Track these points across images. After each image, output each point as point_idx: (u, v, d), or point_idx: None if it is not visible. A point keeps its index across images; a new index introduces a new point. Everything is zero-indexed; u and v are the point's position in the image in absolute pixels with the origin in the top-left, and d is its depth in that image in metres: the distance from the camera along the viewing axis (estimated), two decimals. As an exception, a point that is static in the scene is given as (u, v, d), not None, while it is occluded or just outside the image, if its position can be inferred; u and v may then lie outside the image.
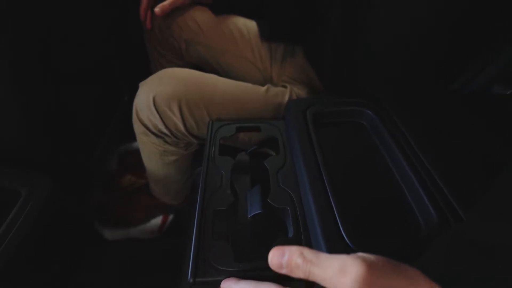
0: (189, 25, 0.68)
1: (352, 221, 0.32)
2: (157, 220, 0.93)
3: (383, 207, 0.37)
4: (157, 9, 0.64)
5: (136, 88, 0.57)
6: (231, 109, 0.56)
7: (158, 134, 0.57)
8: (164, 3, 0.64)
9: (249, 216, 0.39)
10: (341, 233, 0.32)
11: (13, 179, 0.48)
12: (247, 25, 0.70)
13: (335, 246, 0.30)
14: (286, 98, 0.60)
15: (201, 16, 0.68)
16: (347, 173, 0.41)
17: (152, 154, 0.63)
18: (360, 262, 0.21)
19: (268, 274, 0.31)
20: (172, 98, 0.52)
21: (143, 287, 0.79)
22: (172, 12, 0.66)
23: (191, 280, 0.31)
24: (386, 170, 0.41)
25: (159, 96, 0.52)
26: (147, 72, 0.99)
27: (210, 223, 0.37)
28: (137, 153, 1.05)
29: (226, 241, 0.35)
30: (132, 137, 1.08)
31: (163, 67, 0.75)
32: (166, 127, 0.54)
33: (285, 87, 0.62)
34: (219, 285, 0.32)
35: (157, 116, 0.53)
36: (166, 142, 0.58)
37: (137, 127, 0.58)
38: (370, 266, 0.21)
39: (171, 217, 0.94)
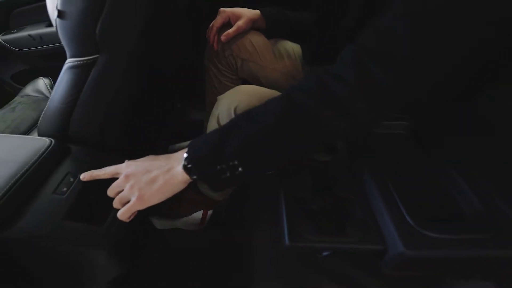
0: (246, 46, 0.81)
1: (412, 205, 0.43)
2: (198, 214, 1.03)
3: (433, 199, 0.47)
4: (223, 37, 0.78)
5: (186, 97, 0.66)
6: None
7: None
8: (229, 31, 0.78)
9: (312, 206, 0.49)
10: (405, 217, 0.41)
11: (106, 164, 0.58)
12: (293, 48, 0.84)
13: (403, 230, 0.40)
14: None
15: (256, 39, 0.82)
16: (395, 172, 0.51)
17: None
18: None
19: (340, 246, 0.42)
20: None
21: (192, 272, 0.87)
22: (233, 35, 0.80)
23: (288, 243, 0.42)
24: (427, 170, 0.51)
25: (239, 107, 0.62)
26: (197, 84, 1.11)
27: (293, 202, 0.47)
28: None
29: (308, 216, 0.45)
30: (181, 138, 1.19)
31: (218, 79, 0.90)
32: None
33: None
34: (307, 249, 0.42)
35: None
36: None
37: None
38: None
39: (210, 212, 1.04)
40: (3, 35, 1.06)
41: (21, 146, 0.54)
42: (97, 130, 0.60)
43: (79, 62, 0.51)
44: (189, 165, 0.45)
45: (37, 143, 0.55)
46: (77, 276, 0.52)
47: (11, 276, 0.47)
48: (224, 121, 0.65)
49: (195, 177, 0.45)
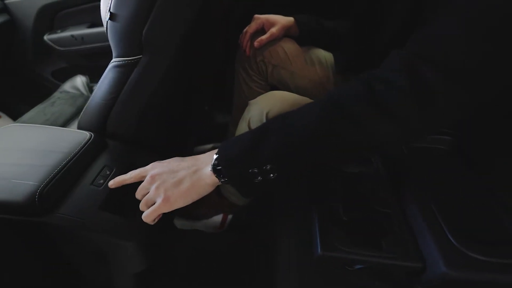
0: (278, 52, 0.83)
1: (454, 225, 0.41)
2: (218, 217, 1.04)
3: (479, 220, 0.45)
4: (256, 43, 0.80)
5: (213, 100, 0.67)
6: None
7: None
8: (262, 37, 0.80)
9: (344, 216, 0.48)
10: (447, 236, 0.40)
11: (140, 160, 0.60)
12: (325, 56, 0.84)
13: (445, 250, 0.38)
14: None
15: (289, 46, 0.83)
16: (437, 189, 0.49)
17: None
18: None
19: (376, 261, 0.41)
20: None
21: (210, 274, 0.88)
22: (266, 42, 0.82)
23: (321, 253, 0.41)
24: (473, 189, 0.49)
25: (271, 113, 0.63)
26: (225, 88, 1.14)
27: (325, 210, 0.46)
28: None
29: (341, 226, 0.44)
30: (205, 140, 1.21)
31: (247, 84, 0.91)
32: None
33: None
34: (340, 260, 0.41)
35: None
36: None
37: None
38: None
39: (230, 216, 1.05)
40: (48, 34, 1.13)
41: (64, 138, 0.57)
42: (132, 127, 0.62)
43: (123, 62, 0.54)
44: (219, 167, 0.44)
45: (78, 136, 0.58)
46: (107, 265, 0.53)
47: (49, 259, 0.50)
48: (255, 125, 0.66)
49: (224, 180, 0.44)
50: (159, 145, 0.66)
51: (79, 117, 0.64)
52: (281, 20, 0.81)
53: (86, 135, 0.58)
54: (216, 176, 0.44)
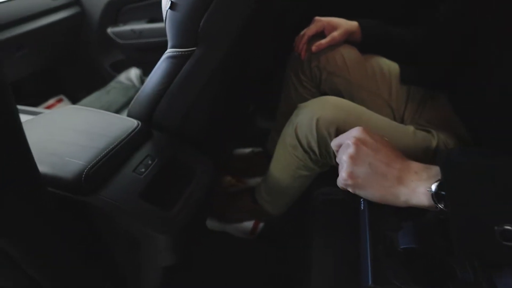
0: (336, 59, 0.77)
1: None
2: (249, 224, 1.02)
3: None
4: (314, 47, 0.76)
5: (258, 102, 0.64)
6: None
7: (306, 150, 0.65)
8: (322, 41, 0.75)
9: (401, 247, 0.41)
10: None
11: (193, 160, 0.60)
12: (389, 66, 0.77)
13: None
14: (434, 144, 0.61)
15: (348, 53, 0.78)
16: None
17: (289, 165, 0.71)
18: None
19: None
20: (332, 123, 0.59)
21: (233, 279, 0.85)
22: None
23: (371, 285, 0.36)
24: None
25: (322, 119, 0.60)
26: (271, 91, 1.12)
27: (381, 241, 0.41)
28: (243, 159, 1.18)
29: (397, 258, 0.39)
30: (245, 143, 1.20)
31: (296, 90, 0.87)
32: (318, 146, 0.62)
33: (427, 131, 0.65)
34: None
35: (315, 135, 0.61)
36: (309, 158, 0.66)
37: (290, 140, 0.67)
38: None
39: (262, 224, 1.02)
40: (111, 27, 1.20)
41: (114, 123, 0.58)
42: (178, 120, 0.63)
43: (177, 53, 0.54)
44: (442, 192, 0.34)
45: (127, 123, 0.59)
46: (139, 254, 0.53)
47: (87, 239, 0.50)
48: (303, 132, 0.63)
49: (444, 210, 0.34)
50: (200, 141, 0.65)
51: (130, 106, 0.65)
52: (344, 24, 0.75)
53: (134, 123, 0.59)
54: (435, 203, 0.36)
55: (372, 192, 0.41)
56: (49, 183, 0.46)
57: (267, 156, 1.12)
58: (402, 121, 0.74)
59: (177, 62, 0.54)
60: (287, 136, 0.68)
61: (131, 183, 0.51)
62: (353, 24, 0.76)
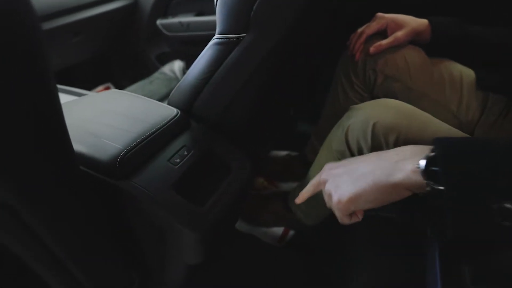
0: (397, 62, 0.68)
1: None
2: (278, 230, 0.96)
3: None
4: (372, 48, 0.67)
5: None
6: None
7: None
8: (381, 42, 0.66)
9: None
10: None
11: (230, 155, 0.57)
12: (461, 72, 0.66)
13: None
14: None
15: (412, 55, 0.68)
16: None
17: None
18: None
19: None
20: (392, 130, 0.51)
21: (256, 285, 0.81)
22: None
23: None
24: None
25: (380, 124, 0.52)
26: (316, 93, 1.06)
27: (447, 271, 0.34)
28: (278, 161, 1.13)
29: None
30: (282, 146, 1.16)
31: (345, 94, 0.80)
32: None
33: None
34: None
35: (369, 141, 0.53)
36: None
37: (338, 145, 0.60)
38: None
39: (292, 232, 0.96)
40: (160, 19, 1.22)
41: (153, 110, 0.57)
42: (218, 114, 0.60)
43: (226, 39, 0.51)
44: (435, 167, 0.31)
45: (166, 110, 0.57)
46: (165, 248, 0.50)
47: (117, 224, 0.49)
48: (355, 136, 0.56)
49: (436, 188, 0.31)
50: (238, 137, 0.62)
51: (171, 94, 0.64)
52: (411, 23, 0.66)
53: (173, 111, 0.57)
54: (425, 179, 0.32)
55: (364, 195, 0.38)
56: (84, 163, 0.45)
57: (304, 161, 1.06)
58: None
59: (224, 49, 0.51)
60: (334, 140, 0.61)
61: (164, 173, 0.49)
62: (422, 23, 0.66)
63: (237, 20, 0.48)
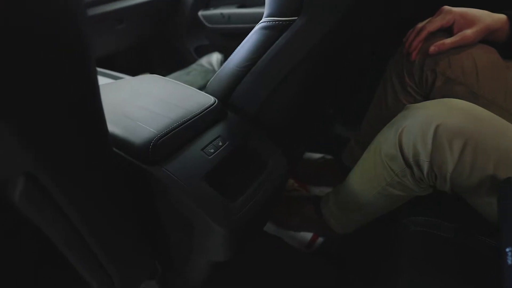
0: (463, 63, 0.59)
1: None
2: (307, 235, 0.91)
3: None
4: (433, 48, 0.59)
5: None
6: None
7: (410, 164, 0.51)
8: (445, 41, 0.58)
9: None
10: None
11: (267, 151, 0.53)
12: None
13: None
14: None
15: (483, 56, 0.59)
16: None
17: (378, 179, 0.57)
18: None
19: None
20: (459, 135, 0.45)
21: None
22: None
23: None
24: None
25: (444, 126, 0.45)
26: (358, 94, 0.99)
27: None
28: (312, 164, 1.08)
29: None
30: (316, 148, 1.11)
31: (395, 95, 0.72)
32: (430, 161, 0.48)
33: None
34: None
35: (428, 146, 0.47)
36: (411, 175, 0.52)
37: (388, 148, 0.54)
38: None
39: (321, 239, 0.90)
40: (202, 11, 1.21)
41: (190, 97, 0.54)
42: (256, 105, 0.56)
43: (274, 23, 0.47)
44: None
45: (203, 98, 0.54)
46: (191, 241, 0.47)
47: (145, 210, 0.47)
48: (410, 139, 0.49)
49: None
50: (275, 132, 0.57)
51: (209, 82, 0.61)
52: (485, 19, 0.56)
53: (211, 99, 0.54)
54: None
55: None
56: (117, 144, 0.43)
57: (339, 166, 1.00)
58: None
59: (272, 34, 0.47)
60: (384, 143, 0.55)
61: (197, 162, 0.46)
62: (498, 19, 0.56)
63: (289, 2, 0.44)
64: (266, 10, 0.48)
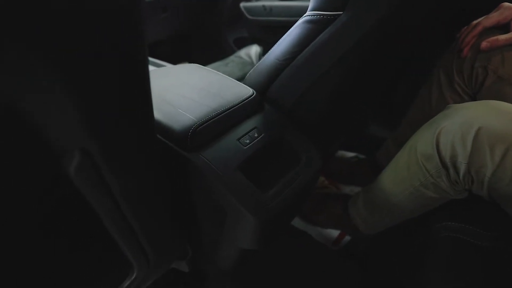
0: None
1: None
2: (334, 232, 0.90)
3: None
4: (486, 43, 0.56)
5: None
6: None
7: (446, 165, 0.50)
8: (499, 37, 0.55)
9: None
10: None
11: (301, 145, 0.53)
12: None
13: None
14: None
15: None
16: None
17: (411, 179, 0.56)
18: None
19: None
20: (502, 139, 0.43)
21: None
22: None
23: None
24: None
25: (486, 129, 0.44)
26: (396, 93, 0.95)
27: None
28: (344, 162, 1.06)
29: None
30: (350, 147, 1.09)
31: (441, 93, 0.69)
32: (468, 164, 0.46)
33: None
34: None
35: (468, 148, 0.45)
36: (446, 176, 0.51)
37: (424, 147, 0.53)
38: None
39: (348, 237, 0.89)
40: (244, 2, 1.22)
41: (230, 87, 0.55)
42: (294, 100, 0.56)
43: (318, 17, 0.46)
44: None
45: (242, 89, 0.55)
46: (222, 228, 0.49)
47: (180, 195, 0.49)
48: (450, 138, 0.47)
49: None
50: (309, 130, 0.57)
51: (248, 73, 0.62)
52: None
53: (249, 91, 0.55)
54: None
55: None
56: (159, 130, 0.46)
57: (373, 166, 0.97)
58: None
59: (315, 28, 0.47)
60: (420, 141, 0.53)
61: (233, 151, 0.47)
62: None
63: None
64: (311, 3, 0.47)
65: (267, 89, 0.57)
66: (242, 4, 1.22)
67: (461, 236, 0.51)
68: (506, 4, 0.56)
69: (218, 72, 0.61)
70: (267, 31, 1.21)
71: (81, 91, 0.24)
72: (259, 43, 1.23)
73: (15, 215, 0.28)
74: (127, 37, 0.26)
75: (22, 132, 0.24)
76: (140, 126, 0.32)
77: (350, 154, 1.10)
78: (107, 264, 0.43)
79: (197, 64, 0.66)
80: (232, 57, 1.20)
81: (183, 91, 0.53)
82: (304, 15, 0.49)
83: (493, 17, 0.57)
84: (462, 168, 0.47)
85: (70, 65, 0.23)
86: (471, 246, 0.48)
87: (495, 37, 0.56)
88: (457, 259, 0.47)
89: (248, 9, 1.20)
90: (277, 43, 0.55)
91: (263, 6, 1.14)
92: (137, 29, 0.26)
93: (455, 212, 0.54)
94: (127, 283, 0.44)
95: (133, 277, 0.44)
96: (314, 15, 0.46)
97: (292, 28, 0.51)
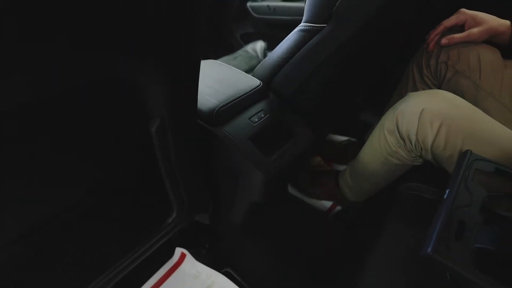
0: (469, 59, 0.70)
1: None
2: (326, 203, 1.07)
3: None
4: (444, 40, 0.70)
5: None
6: (488, 152, 0.55)
7: (403, 137, 0.65)
8: (456, 36, 0.70)
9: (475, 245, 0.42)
10: None
11: (296, 124, 0.70)
12: None
13: None
14: None
15: (486, 54, 0.70)
16: None
17: (381, 150, 0.72)
18: None
19: None
20: (438, 116, 0.58)
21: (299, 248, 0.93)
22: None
23: (431, 252, 0.39)
24: None
25: (428, 110, 0.58)
26: (383, 84, 1.10)
27: (453, 227, 0.43)
28: (338, 146, 1.21)
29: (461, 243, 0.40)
30: (341, 131, 1.23)
31: (414, 85, 0.84)
32: (416, 136, 0.61)
33: None
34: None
35: (415, 124, 0.60)
36: (404, 146, 0.66)
37: (388, 124, 0.68)
38: None
39: (339, 207, 1.06)
40: (251, 2, 1.36)
41: (242, 79, 0.71)
42: (292, 90, 0.72)
43: (308, 27, 0.62)
44: None
45: (252, 81, 0.71)
46: (237, 186, 0.66)
47: (205, 160, 0.66)
48: (405, 118, 0.63)
49: None
50: (306, 112, 0.73)
51: (256, 68, 0.78)
52: (490, 22, 0.67)
53: (257, 82, 0.71)
54: None
55: None
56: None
57: (362, 146, 1.13)
58: None
59: (307, 35, 0.63)
60: (386, 120, 0.68)
61: (245, 127, 0.63)
62: (503, 23, 0.67)
63: (320, 13, 0.59)
64: (304, 17, 0.63)
65: (271, 81, 0.73)
66: (248, 4, 1.36)
67: (422, 194, 0.67)
68: (462, 10, 0.70)
69: (231, 67, 0.77)
70: (271, 28, 1.35)
71: (169, 87, 0.41)
72: (263, 38, 1.38)
73: (124, 148, 0.45)
74: (193, 45, 0.41)
75: (135, 102, 0.41)
76: (190, 105, 0.49)
77: (343, 138, 1.25)
78: (159, 205, 0.61)
79: (213, 60, 0.82)
80: (239, 52, 1.35)
81: (207, 82, 0.70)
82: (299, 25, 0.64)
83: (452, 19, 0.71)
84: (413, 139, 0.62)
85: (171, 69, 0.39)
86: (424, 200, 0.65)
87: (451, 36, 0.70)
88: (410, 211, 0.63)
89: (254, 8, 1.35)
90: (278, 45, 0.71)
91: (268, 6, 1.29)
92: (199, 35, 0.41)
93: (415, 176, 0.70)
94: (170, 220, 0.61)
95: (173, 216, 0.61)
96: (306, 26, 0.62)
97: (290, 34, 0.67)
